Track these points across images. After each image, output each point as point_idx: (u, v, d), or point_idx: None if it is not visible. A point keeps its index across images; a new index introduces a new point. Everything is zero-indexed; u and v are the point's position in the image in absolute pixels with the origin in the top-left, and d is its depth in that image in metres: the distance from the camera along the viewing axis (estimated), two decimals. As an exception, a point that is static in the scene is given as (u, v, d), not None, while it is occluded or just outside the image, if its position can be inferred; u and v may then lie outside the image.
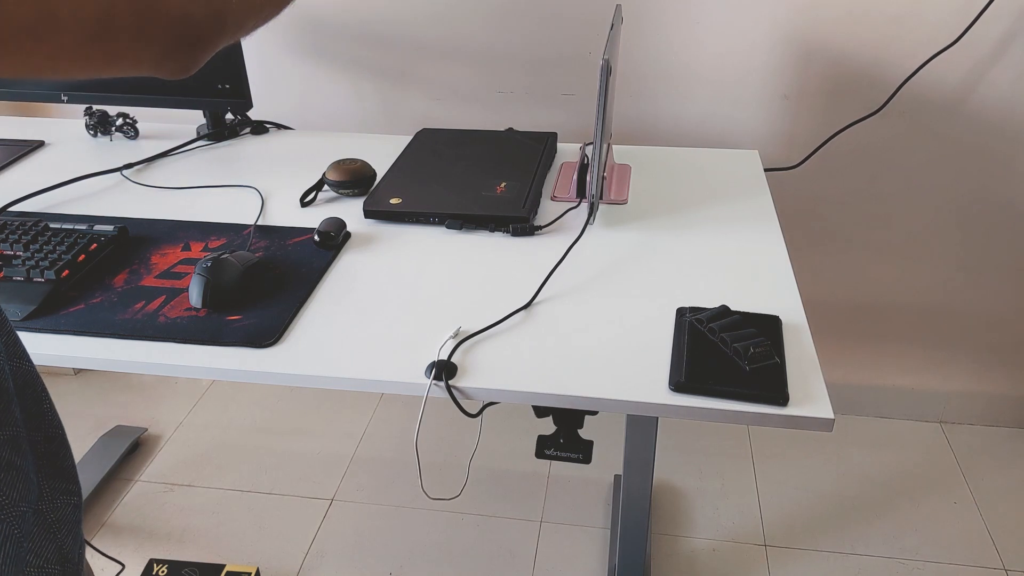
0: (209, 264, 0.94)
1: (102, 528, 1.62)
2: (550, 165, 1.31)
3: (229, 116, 1.48)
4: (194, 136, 1.46)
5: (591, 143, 1.10)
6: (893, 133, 1.51)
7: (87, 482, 1.70)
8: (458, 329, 0.90)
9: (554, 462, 1.75)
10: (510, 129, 1.42)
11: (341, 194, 1.22)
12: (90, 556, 1.47)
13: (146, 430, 1.87)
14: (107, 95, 1.41)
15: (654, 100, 1.54)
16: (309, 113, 1.65)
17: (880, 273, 1.67)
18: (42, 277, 0.97)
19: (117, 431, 1.84)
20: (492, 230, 1.11)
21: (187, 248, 1.07)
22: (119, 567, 1.50)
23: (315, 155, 1.37)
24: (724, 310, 0.89)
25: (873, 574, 1.50)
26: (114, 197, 1.23)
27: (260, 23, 0.47)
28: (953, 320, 1.71)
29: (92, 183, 1.28)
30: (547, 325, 0.91)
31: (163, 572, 1.49)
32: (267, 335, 0.89)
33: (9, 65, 0.36)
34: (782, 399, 0.78)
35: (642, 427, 1.17)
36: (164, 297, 0.96)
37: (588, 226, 1.10)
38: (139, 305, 0.95)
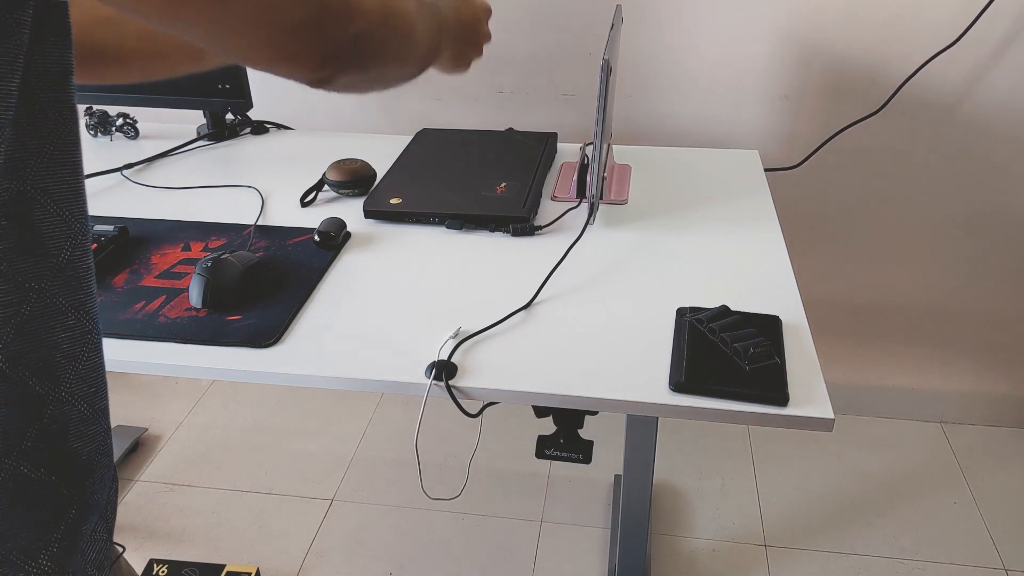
0: (209, 264, 0.94)
1: (102, 528, 1.62)
2: (550, 165, 1.31)
3: (229, 116, 1.48)
4: (194, 136, 1.46)
5: (591, 143, 1.10)
6: (893, 133, 1.51)
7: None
8: (458, 329, 0.90)
9: (554, 462, 1.76)
10: (510, 129, 1.42)
11: (341, 194, 1.22)
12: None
13: (146, 430, 1.87)
14: (107, 95, 1.41)
15: (654, 100, 1.54)
16: (309, 113, 1.65)
17: (880, 273, 1.67)
18: (42, 277, 0.97)
19: (117, 431, 1.84)
20: (492, 230, 1.11)
21: (187, 248, 1.07)
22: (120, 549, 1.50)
23: (315, 155, 1.37)
24: (724, 310, 0.89)
25: (873, 574, 1.50)
26: (114, 197, 1.23)
27: (380, 83, 0.57)
28: (953, 320, 1.71)
29: (92, 183, 1.28)
30: (547, 325, 0.91)
31: (163, 572, 1.49)
32: (267, 335, 0.89)
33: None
34: (782, 399, 0.78)
35: (642, 427, 1.17)
36: (164, 297, 0.96)
37: (588, 226, 1.10)
38: (139, 305, 0.95)
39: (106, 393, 0.52)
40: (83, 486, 0.50)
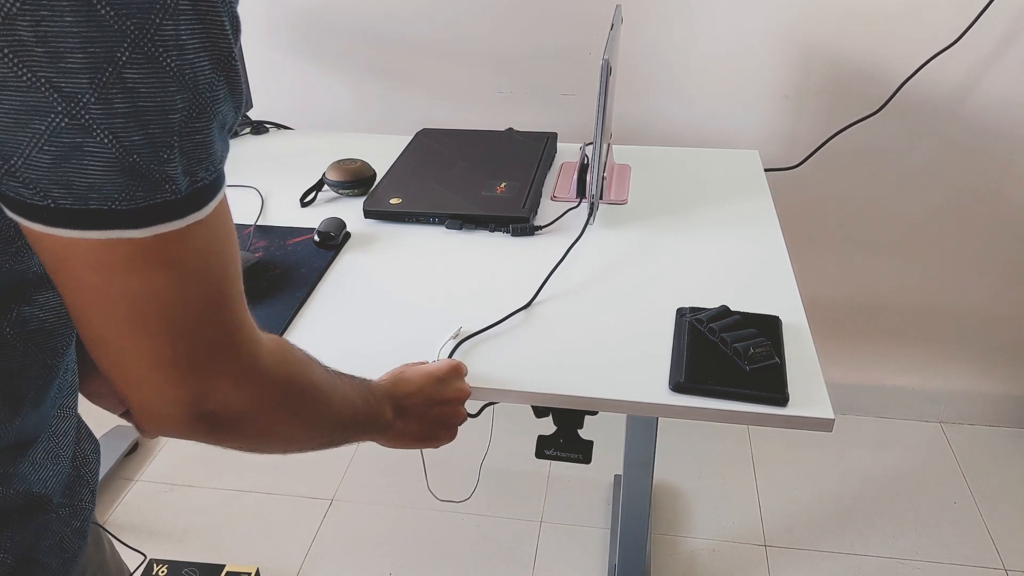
0: (209, 264, 0.94)
1: (102, 528, 1.62)
2: (550, 165, 1.31)
3: (229, 116, 1.47)
4: (194, 136, 1.46)
5: (591, 143, 1.10)
6: (893, 133, 1.51)
7: (87, 482, 1.70)
8: (458, 329, 0.90)
9: (554, 462, 1.75)
10: (510, 129, 1.42)
11: (341, 194, 1.22)
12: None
13: (146, 430, 1.87)
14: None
15: (654, 100, 1.54)
16: (309, 113, 1.65)
17: (880, 273, 1.67)
18: (42, 277, 0.97)
19: (117, 431, 1.84)
20: (492, 230, 1.11)
21: (187, 248, 1.07)
22: (141, 557, 1.50)
23: (315, 155, 1.37)
24: (724, 310, 0.89)
25: (873, 574, 1.50)
26: (114, 197, 1.23)
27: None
28: (953, 320, 1.71)
29: (92, 183, 1.28)
30: (547, 325, 0.91)
31: (163, 572, 1.49)
32: (267, 335, 0.89)
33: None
34: (782, 399, 0.78)
35: (642, 427, 1.17)
36: (164, 297, 0.96)
37: (588, 226, 1.10)
38: (139, 305, 0.95)
39: None
40: None
